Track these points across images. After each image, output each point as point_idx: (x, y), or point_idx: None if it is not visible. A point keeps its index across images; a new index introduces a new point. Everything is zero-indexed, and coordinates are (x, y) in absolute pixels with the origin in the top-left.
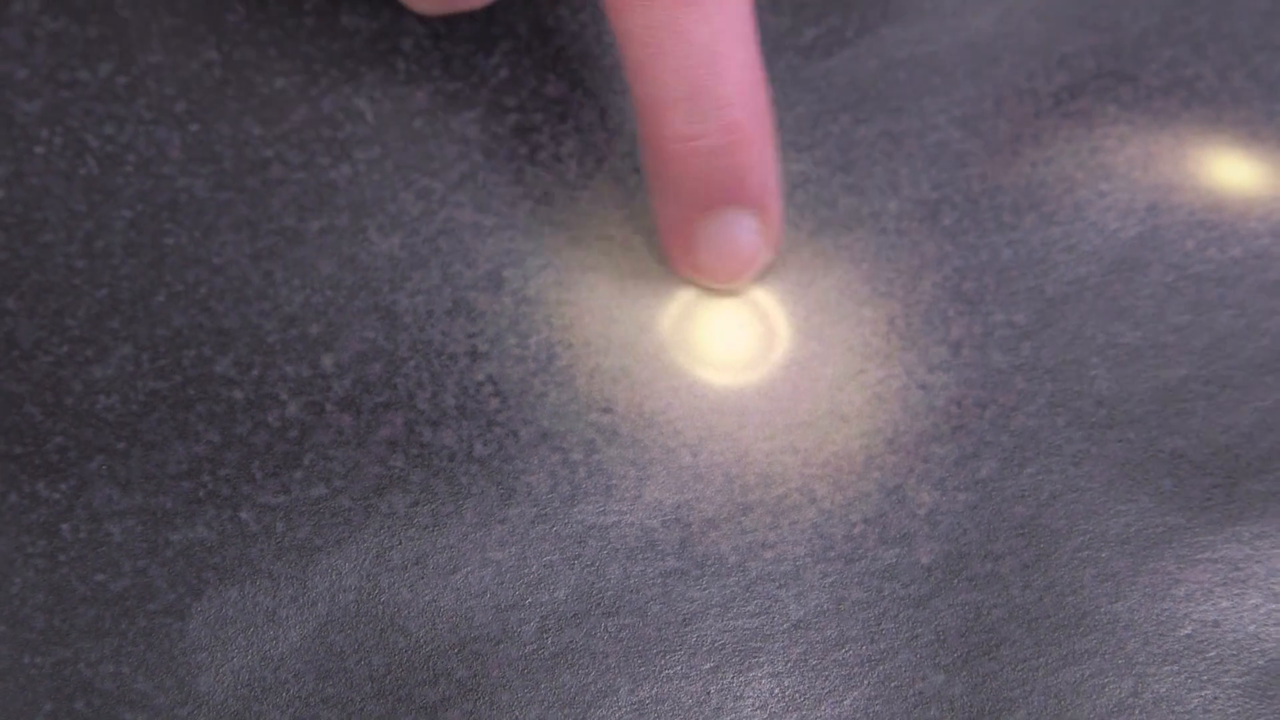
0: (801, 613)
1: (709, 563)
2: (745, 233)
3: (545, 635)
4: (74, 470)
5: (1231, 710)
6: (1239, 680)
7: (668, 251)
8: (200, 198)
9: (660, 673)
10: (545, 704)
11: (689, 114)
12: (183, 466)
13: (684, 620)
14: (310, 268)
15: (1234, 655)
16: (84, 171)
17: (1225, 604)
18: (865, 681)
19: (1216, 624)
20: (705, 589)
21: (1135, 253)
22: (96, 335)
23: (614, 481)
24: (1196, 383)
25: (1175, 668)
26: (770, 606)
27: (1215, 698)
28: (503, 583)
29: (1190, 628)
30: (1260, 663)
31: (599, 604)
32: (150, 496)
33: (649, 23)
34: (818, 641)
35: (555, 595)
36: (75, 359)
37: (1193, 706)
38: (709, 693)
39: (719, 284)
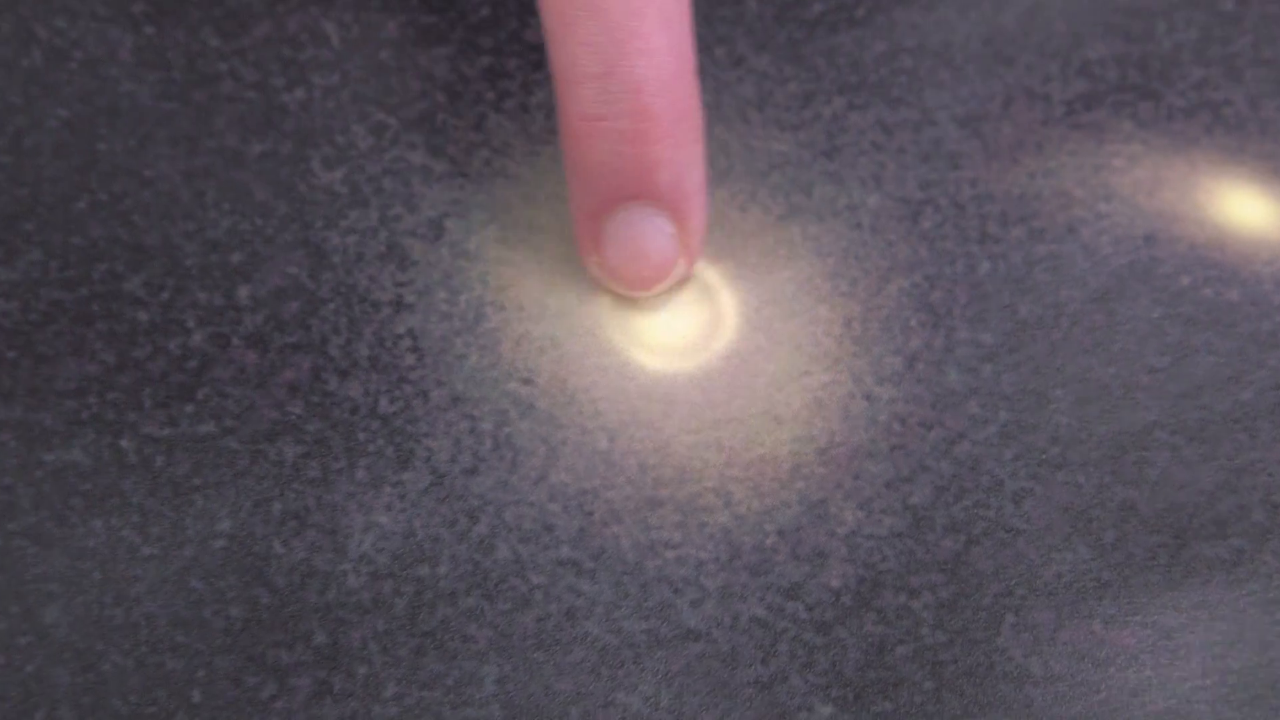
0: (694, 622)
1: (605, 556)
2: (657, 235)
3: (418, 611)
4: None
5: None
6: None
7: (578, 246)
8: (142, 105)
9: (533, 667)
10: (403, 683)
11: (598, 93)
12: (70, 384)
13: (567, 613)
14: (244, 193)
15: None
16: (26, 63)
17: (1149, 673)
18: (749, 704)
19: (1135, 694)
20: (596, 583)
21: (1124, 283)
22: (7, 236)
23: (520, 458)
24: (1163, 431)
25: None
26: (662, 610)
27: None
28: (382, 550)
29: (1105, 693)
30: None
31: (480, 585)
32: (30, 411)
33: None
34: (705, 654)
35: (436, 570)
36: None
37: None
38: (579, 694)
39: (629, 290)
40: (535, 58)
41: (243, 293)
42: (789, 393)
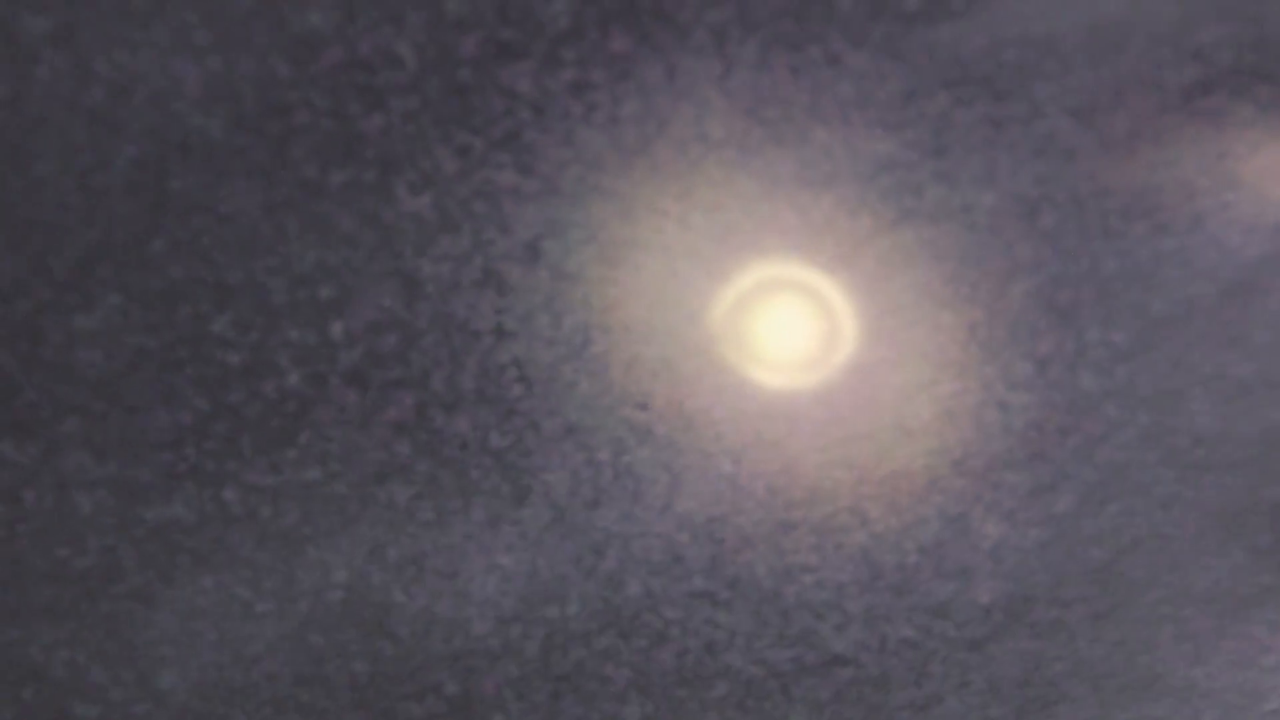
0: (841, 647)
1: (741, 584)
2: None
3: (550, 654)
4: (44, 430)
5: None
6: None
7: None
8: (213, 139)
9: (676, 705)
10: None
11: None
12: (165, 436)
13: (707, 647)
14: (328, 224)
15: None
16: (88, 100)
17: None
18: None
19: None
20: (734, 614)
21: (1257, 275)
22: (83, 281)
23: (643, 487)
24: None
25: None
26: (806, 638)
27: None
28: (507, 591)
29: (1277, 702)
30: None
31: (613, 623)
32: (126, 467)
33: None
34: (856, 680)
35: (566, 610)
36: (57, 306)
37: None
38: None
39: None
40: (622, 67)
41: (336, 328)
42: (917, 404)
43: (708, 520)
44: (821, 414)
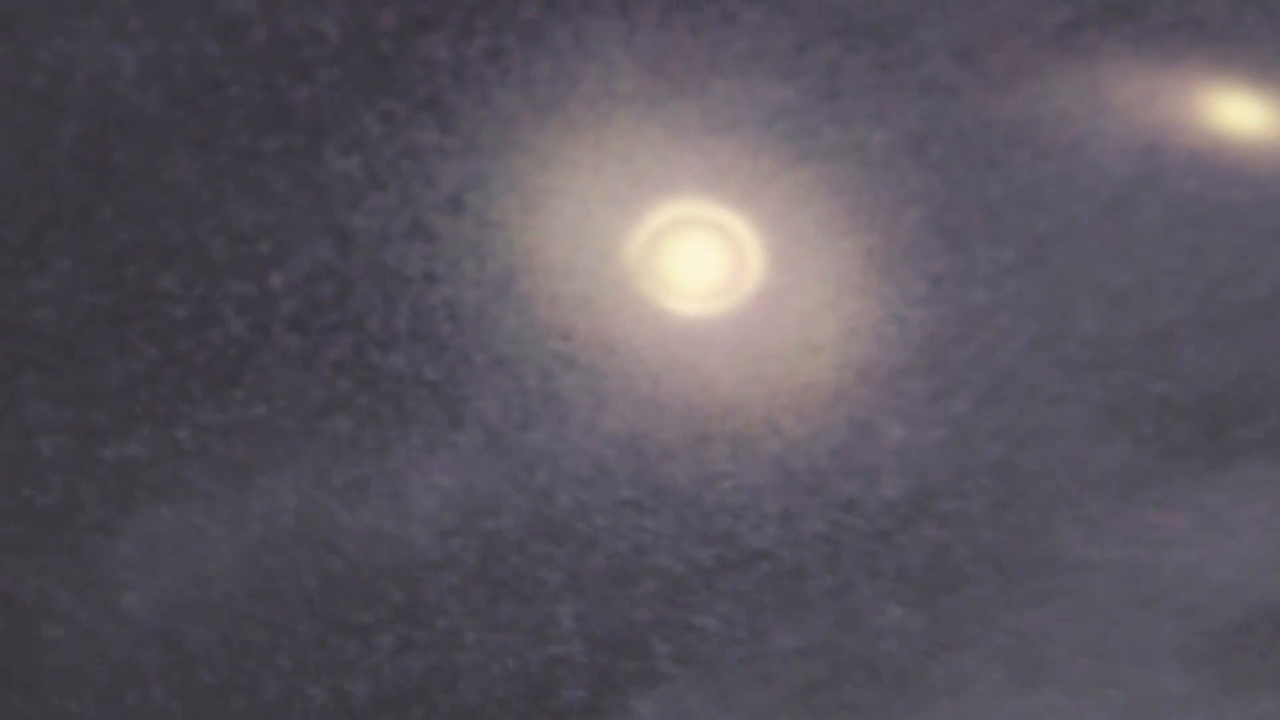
0: (759, 543)
1: (664, 492)
2: None
3: (488, 562)
4: (4, 383)
5: (1204, 658)
6: (1213, 628)
7: None
8: (152, 115)
9: (607, 603)
10: (483, 630)
11: None
12: (119, 383)
13: (635, 550)
14: (263, 186)
15: (1209, 603)
16: (32, 84)
17: (1204, 551)
18: (823, 613)
19: (1195, 570)
20: (659, 519)
21: (1131, 193)
22: (36, 248)
23: (569, 409)
24: (1188, 326)
25: (1147, 613)
26: (727, 537)
27: (1187, 644)
28: (447, 508)
29: (1166, 574)
30: (1236, 613)
31: (546, 532)
32: (84, 412)
33: None
34: (775, 572)
35: (501, 523)
36: (12, 271)
37: (1163, 653)
38: (657, 621)
39: None
40: (532, 33)
41: (275, 280)
42: (822, 323)
43: (631, 437)
44: (733, 337)
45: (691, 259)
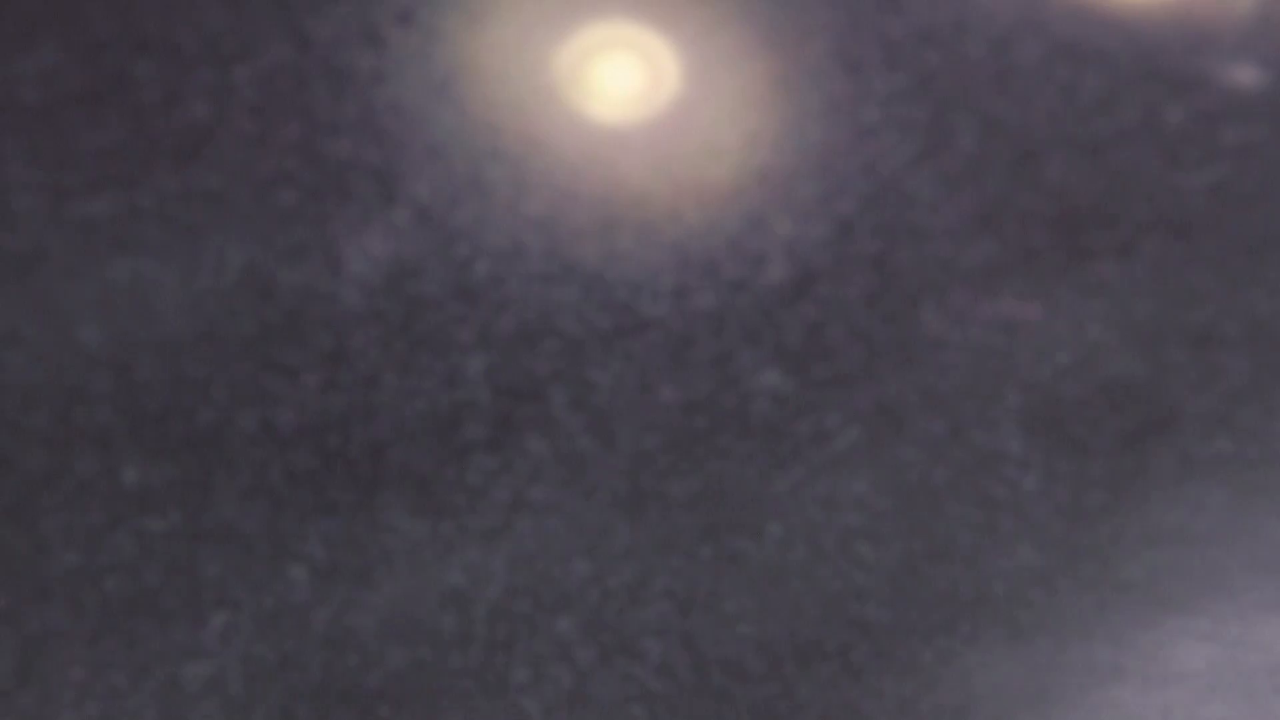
0: (653, 313)
1: (573, 268)
2: None
3: (409, 319)
4: None
5: (1044, 425)
6: (1054, 401)
7: None
8: None
9: (512, 358)
10: (400, 375)
11: None
12: (90, 148)
13: (540, 315)
14: None
15: (1053, 380)
16: None
17: (1053, 337)
18: (704, 373)
19: (1043, 352)
20: (566, 288)
21: (1016, 33)
22: (28, 33)
23: (492, 195)
24: (1055, 148)
25: (997, 386)
26: (623, 306)
27: (1030, 414)
28: (376, 272)
29: (1018, 355)
30: (1076, 390)
31: (463, 296)
32: (56, 174)
33: None
34: (664, 339)
35: (424, 286)
36: (4, 52)
37: (1008, 421)
38: (556, 375)
39: None
40: None
41: (239, 73)
42: (727, 132)
43: (547, 221)
44: (646, 140)
45: (614, 72)
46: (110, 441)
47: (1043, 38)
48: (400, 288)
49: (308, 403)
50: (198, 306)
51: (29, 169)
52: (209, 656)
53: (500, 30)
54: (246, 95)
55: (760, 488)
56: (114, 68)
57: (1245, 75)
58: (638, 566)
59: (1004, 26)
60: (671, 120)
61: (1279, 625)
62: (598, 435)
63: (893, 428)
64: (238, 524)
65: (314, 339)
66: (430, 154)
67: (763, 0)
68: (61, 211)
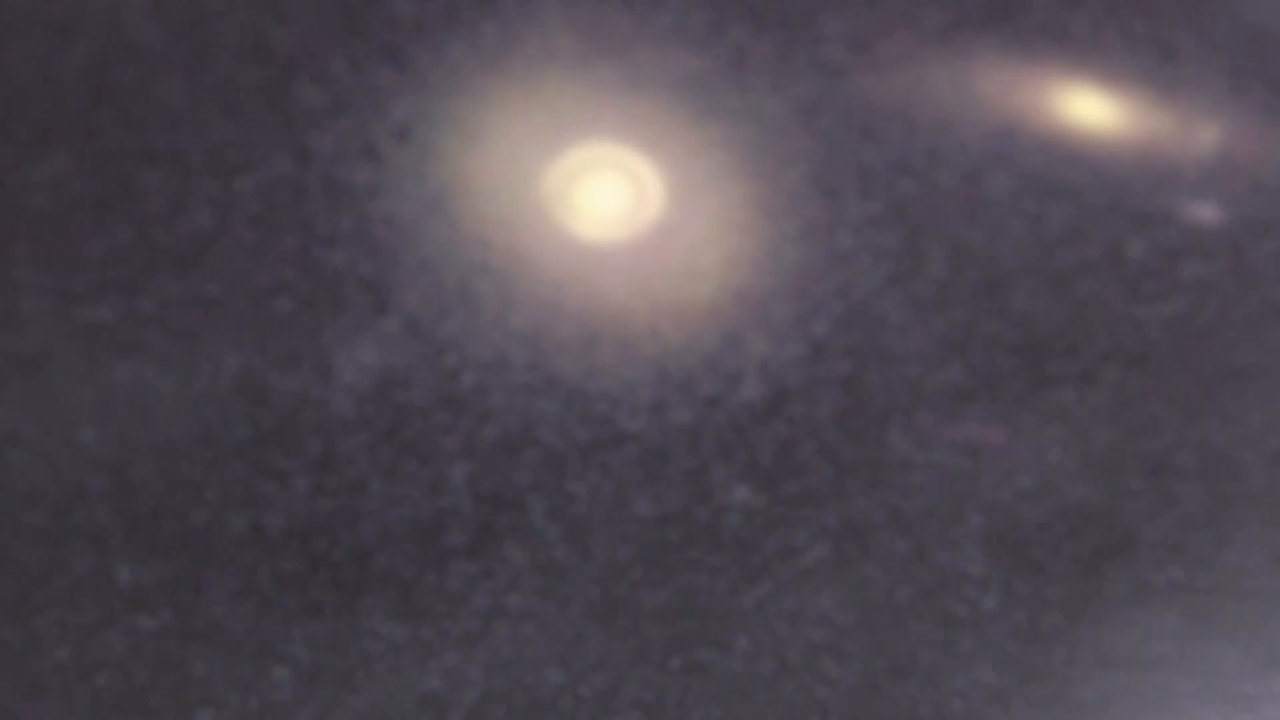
0: (630, 428)
1: (555, 381)
2: None
3: (397, 426)
4: None
5: (1004, 547)
6: (1015, 524)
7: None
8: (150, 45)
9: (494, 467)
10: (385, 480)
11: None
12: (96, 257)
13: (522, 426)
14: (238, 108)
15: (1014, 503)
16: (47, 11)
17: (1015, 461)
18: (678, 489)
19: (1005, 476)
20: (547, 401)
21: (987, 165)
22: (39, 145)
23: (480, 307)
24: (1022, 278)
25: (959, 509)
26: (603, 420)
27: (991, 536)
28: (365, 380)
29: (980, 478)
30: (1037, 513)
31: (449, 406)
32: (62, 279)
33: None
34: (640, 452)
35: (411, 395)
36: (16, 161)
37: (969, 542)
38: (536, 485)
39: None
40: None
41: (240, 184)
42: (707, 253)
43: (531, 334)
44: (629, 260)
45: (600, 193)
46: (106, 540)
47: (1012, 171)
48: (389, 396)
49: (296, 507)
50: (194, 410)
51: (36, 273)
52: None
53: (492, 149)
54: (247, 205)
55: (729, 601)
56: (120, 177)
57: (1206, 213)
58: (609, 675)
59: (976, 159)
60: (653, 240)
61: None
62: (574, 545)
63: (859, 546)
64: (226, 624)
65: (304, 444)
66: (421, 267)
67: (745, 127)
68: (66, 315)
